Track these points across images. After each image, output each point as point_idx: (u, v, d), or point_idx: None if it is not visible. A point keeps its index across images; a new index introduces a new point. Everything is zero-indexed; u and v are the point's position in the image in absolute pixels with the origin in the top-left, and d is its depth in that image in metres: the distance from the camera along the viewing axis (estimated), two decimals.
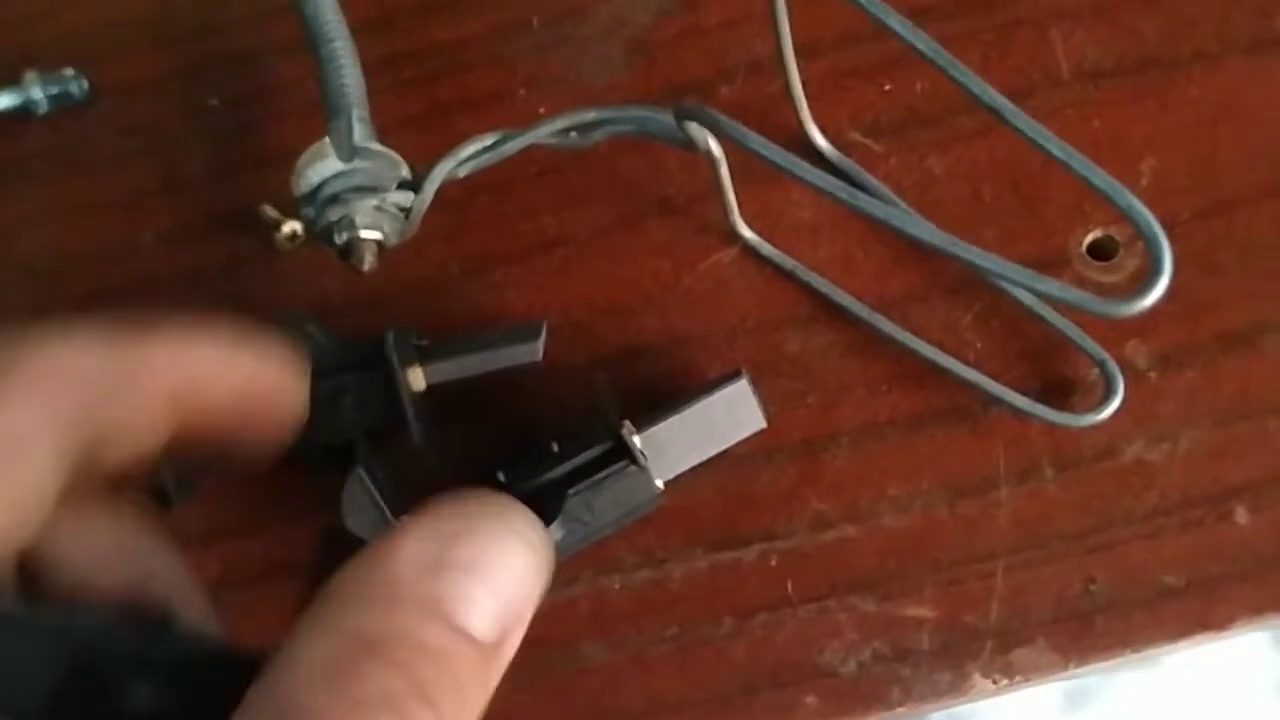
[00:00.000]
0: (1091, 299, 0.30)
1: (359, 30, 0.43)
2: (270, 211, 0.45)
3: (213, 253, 0.46)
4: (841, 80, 0.45)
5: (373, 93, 0.43)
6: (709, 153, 0.39)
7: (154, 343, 0.26)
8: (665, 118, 0.39)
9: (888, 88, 0.45)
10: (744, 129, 0.34)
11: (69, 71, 0.49)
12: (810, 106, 0.44)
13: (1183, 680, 0.75)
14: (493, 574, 0.23)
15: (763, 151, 0.34)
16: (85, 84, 0.49)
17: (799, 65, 0.43)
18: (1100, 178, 0.31)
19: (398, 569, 0.22)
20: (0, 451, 0.23)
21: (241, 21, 0.50)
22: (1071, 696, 0.75)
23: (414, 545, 0.22)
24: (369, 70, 0.43)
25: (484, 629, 0.22)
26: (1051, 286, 0.31)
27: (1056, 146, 0.32)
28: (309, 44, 0.43)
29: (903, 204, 0.43)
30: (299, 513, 0.42)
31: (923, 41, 0.34)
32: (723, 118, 0.35)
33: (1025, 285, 0.31)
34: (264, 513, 0.42)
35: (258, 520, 0.42)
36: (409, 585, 0.22)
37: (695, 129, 0.38)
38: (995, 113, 0.33)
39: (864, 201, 0.32)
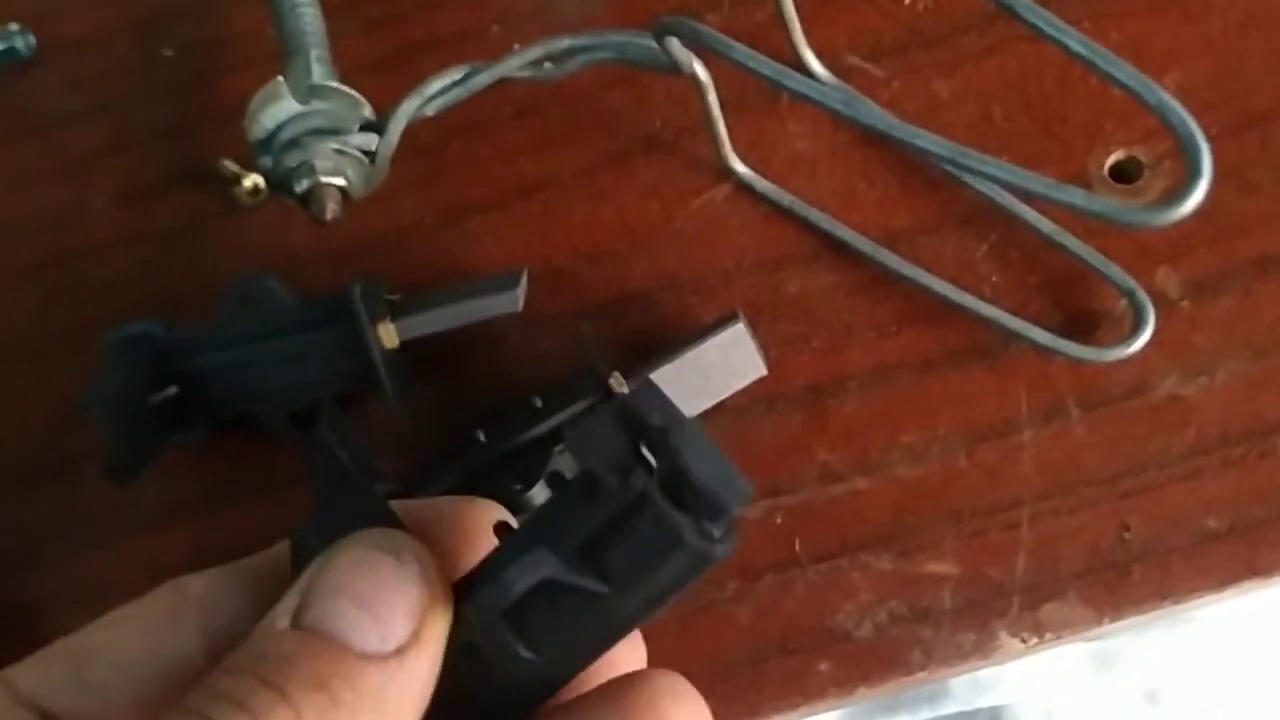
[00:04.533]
0: (1121, 207, 0.27)
1: None
2: (230, 166, 0.43)
3: (170, 213, 0.44)
4: (838, 1, 0.42)
5: (338, 35, 0.41)
6: (694, 75, 0.36)
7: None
8: (645, 41, 0.36)
9: (921, 6, 0.42)
10: (728, 40, 0.31)
11: (14, 26, 0.46)
12: (804, 30, 0.41)
13: (1218, 638, 0.72)
14: (354, 587, 0.23)
15: (749, 63, 0.31)
16: (32, 39, 0.46)
17: None
18: (1127, 73, 0.28)
19: (275, 621, 0.23)
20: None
21: None
22: (1101, 658, 0.72)
23: (288, 600, 0.23)
24: (333, 11, 0.41)
25: (355, 636, 0.22)
26: (1075, 196, 0.28)
27: (1076, 41, 0.29)
28: None
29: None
30: (268, 483, 0.39)
31: None
32: (704, 29, 0.32)
33: (1044, 196, 0.28)
34: (230, 485, 0.40)
35: (224, 493, 0.40)
36: (274, 622, 0.23)
37: (677, 47, 0.35)
38: (1009, 9, 0.30)
39: (860, 110, 0.29)
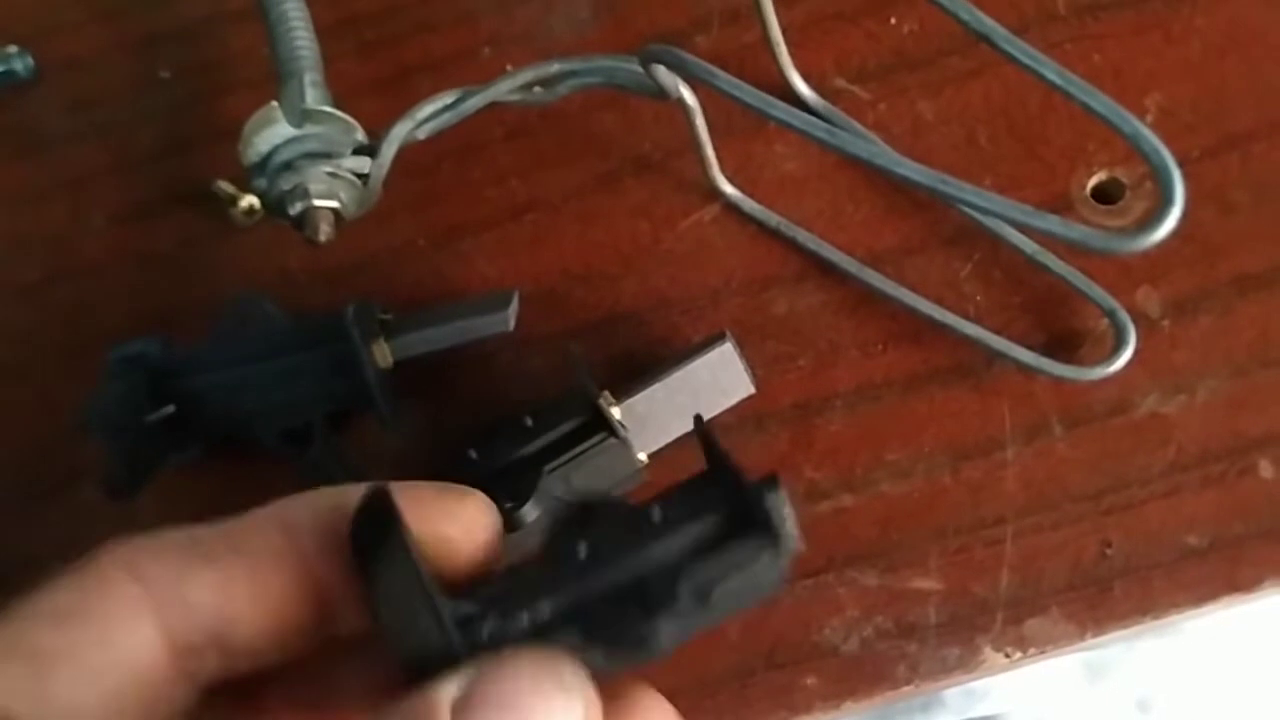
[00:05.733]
0: (1096, 234, 0.28)
1: None
2: (226, 186, 0.43)
3: (167, 233, 0.44)
4: (824, 24, 0.43)
5: (332, 57, 0.41)
6: (681, 100, 0.36)
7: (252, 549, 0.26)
8: (633, 66, 0.37)
9: (906, 29, 0.43)
10: (712, 69, 0.32)
11: (13, 49, 0.46)
12: (792, 53, 0.42)
13: (1209, 648, 0.73)
14: (524, 712, 0.22)
15: (734, 92, 0.31)
16: (30, 61, 0.47)
17: (778, 10, 0.40)
18: (1102, 103, 0.29)
19: (433, 712, 0.22)
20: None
21: None
22: (1093, 668, 0.73)
23: (447, 688, 0.22)
24: (327, 34, 0.41)
25: None
26: (1052, 223, 0.28)
27: (1053, 72, 0.29)
28: (259, 8, 0.41)
29: (891, 149, 0.41)
30: (262, 501, 0.39)
31: None
32: (690, 58, 0.32)
33: (1022, 223, 0.29)
34: (226, 502, 0.40)
35: (220, 510, 0.39)
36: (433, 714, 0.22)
37: (664, 74, 0.35)
38: (986, 39, 0.30)
39: (843, 140, 0.30)
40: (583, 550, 0.25)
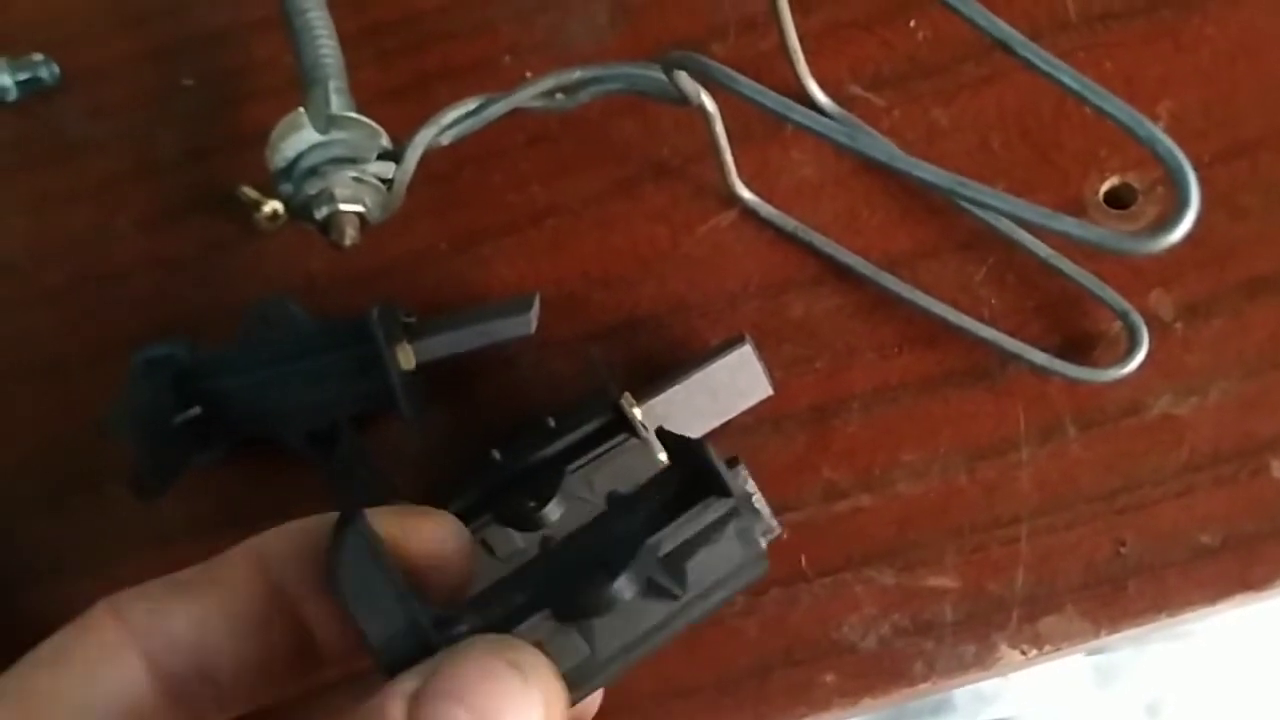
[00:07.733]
0: (1113, 235, 0.28)
1: (337, 1, 0.41)
2: (249, 192, 0.44)
3: (191, 237, 0.45)
4: (840, 32, 0.44)
5: (354, 66, 0.42)
6: (702, 106, 0.37)
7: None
8: (654, 72, 0.37)
9: (920, 36, 0.43)
10: (734, 74, 0.32)
11: (38, 56, 0.47)
12: (808, 61, 0.42)
13: (1218, 651, 0.73)
14: (475, 699, 0.23)
15: (755, 97, 0.32)
16: (55, 68, 0.47)
17: (794, 18, 0.41)
18: (1118, 108, 0.29)
19: (387, 707, 0.23)
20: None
21: None
22: (1103, 671, 0.73)
23: (404, 683, 0.23)
24: (349, 42, 0.42)
25: None
26: (1069, 225, 0.29)
27: (1069, 77, 0.30)
28: (283, 16, 0.41)
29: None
30: (286, 501, 0.40)
31: None
32: (712, 64, 0.33)
33: (1039, 225, 0.29)
34: (250, 502, 0.41)
35: (242, 511, 0.41)
36: (387, 708, 0.23)
37: (685, 80, 0.36)
38: (1003, 44, 0.31)
39: (863, 143, 0.30)
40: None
